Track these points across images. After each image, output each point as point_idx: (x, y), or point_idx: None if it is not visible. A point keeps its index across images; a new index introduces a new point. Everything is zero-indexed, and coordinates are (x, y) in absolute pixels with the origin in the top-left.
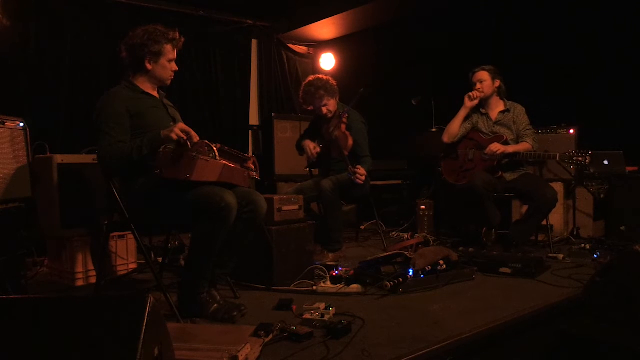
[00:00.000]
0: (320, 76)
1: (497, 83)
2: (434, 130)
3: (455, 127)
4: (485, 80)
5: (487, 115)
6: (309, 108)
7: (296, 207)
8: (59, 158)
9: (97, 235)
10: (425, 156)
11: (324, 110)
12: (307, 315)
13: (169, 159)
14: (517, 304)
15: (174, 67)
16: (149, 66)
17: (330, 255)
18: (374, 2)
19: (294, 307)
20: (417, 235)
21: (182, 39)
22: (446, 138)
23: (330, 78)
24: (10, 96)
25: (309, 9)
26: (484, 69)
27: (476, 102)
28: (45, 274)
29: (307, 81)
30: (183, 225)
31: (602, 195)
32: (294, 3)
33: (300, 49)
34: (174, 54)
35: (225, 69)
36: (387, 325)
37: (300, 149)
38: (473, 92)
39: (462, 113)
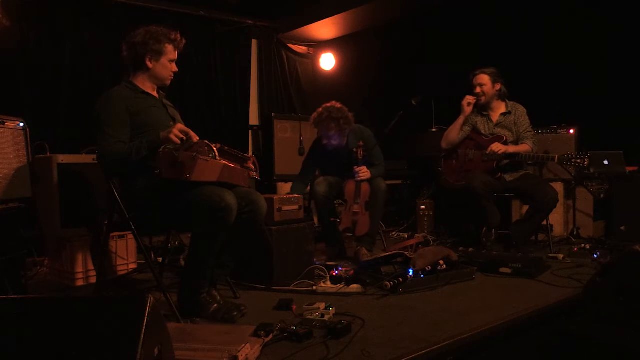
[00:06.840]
0: (340, 107)
1: (498, 86)
2: (434, 130)
3: (454, 134)
4: (485, 84)
5: (488, 116)
6: (316, 130)
7: (296, 207)
8: (59, 158)
9: (97, 235)
10: (425, 156)
11: (324, 140)
12: (307, 315)
13: (168, 159)
14: (517, 304)
15: (174, 68)
16: (149, 64)
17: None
18: (374, 2)
19: (294, 307)
20: (417, 235)
21: (183, 41)
22: (444, 144)
23: (345, 110)
24: (10, 96)
25: (309, 9)
26: (484, 72)
27: (472, 107)
28: (45, 274)
29: (326, 105)
30: (183, 225)
31: (602, 195)
32: (294, 3)
33: (300, 49)
34: (174, 55)
35: (225, 69)
36: (387, 325)
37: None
38: (470, 97)
39: (461, 120)
